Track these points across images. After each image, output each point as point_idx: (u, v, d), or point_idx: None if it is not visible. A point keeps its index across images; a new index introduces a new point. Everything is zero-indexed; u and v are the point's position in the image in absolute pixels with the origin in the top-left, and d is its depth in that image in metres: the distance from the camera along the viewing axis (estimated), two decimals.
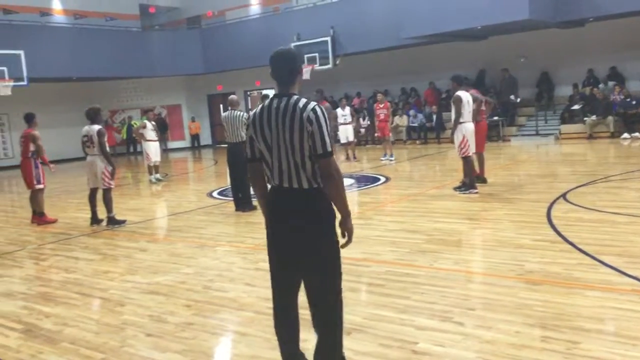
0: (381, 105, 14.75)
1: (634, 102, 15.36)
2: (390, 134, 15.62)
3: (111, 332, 4.11)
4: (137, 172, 17.18)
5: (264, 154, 2.95)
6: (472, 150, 8.58)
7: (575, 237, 5.75)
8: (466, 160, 8.61)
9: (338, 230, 2.99)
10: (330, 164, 2.84)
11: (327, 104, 17.29)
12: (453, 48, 18.60)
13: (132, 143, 24.24)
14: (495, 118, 16.91)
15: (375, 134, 16.59)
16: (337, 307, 2.98)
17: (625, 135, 14.97)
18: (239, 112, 8.61)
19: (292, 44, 19.73)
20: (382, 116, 14.72)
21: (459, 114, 8.44)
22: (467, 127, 8.51)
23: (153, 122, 13.81)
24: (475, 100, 8.79)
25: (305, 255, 2.91)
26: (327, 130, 2.85)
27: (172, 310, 4.48)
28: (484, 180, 9.17)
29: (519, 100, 17.58)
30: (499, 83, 18.10)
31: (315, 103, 2.89)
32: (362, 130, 19.55)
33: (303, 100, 2.89)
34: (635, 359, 3.20)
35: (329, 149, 2.84)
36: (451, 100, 8.63)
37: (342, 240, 3.00)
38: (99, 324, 4.31)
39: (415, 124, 18.95)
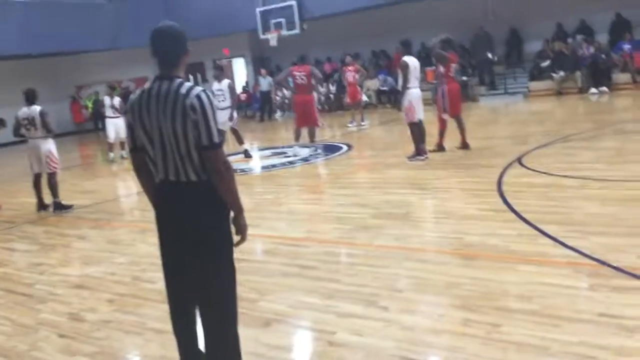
0: (350, 68, 14.40)
1: (603, 56, 15.16)
2: (363, 98, 15.31)
3: (24, 334, 3.92)
4: (97, 150, 16.79)
5: (145, 144, 2.71)
6: (418, 116, 8.38)
7: (522, 204, 5.60)
8: (412, 126, 8.44)
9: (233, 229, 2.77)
10: (218, 157, 2.59)
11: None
12: (422, 8, 18.15)
13: (99, 119, 23.69)
14: (464, 78, 16.64)
15: (346, 100, 16.14)
16: (229, 316, 2.76)
17: (593, 90, 14.80)
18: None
19: (258, 10, 19.22)
20: (350, 79, 14.38)
21: (406, 80, 8.23)
22: (413, 93, 8.30)
23: (116, 97, 13.30)
24: (443, 61, 8.54)
25: (195, 256, 2.70)
26: (214, 119, 2.61)
27: (94, 306, 4.29)
28: (466, 147, 8.90)
29: (496, 58, 17.23)
30: (470, 41, 17.74)
31: (200, 89, 2.63)
32: (331, 96, 19.23)
33: (187, 85, 2.62)
34: (553, 341, 3.07)
35: (216, 140, 2.59)
36: (398, 67, 8.41)
37: (236, 238, 2.78)
38: (14, 325, 4.11)
39: (386, 88, 18.63)
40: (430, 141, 8.94)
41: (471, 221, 5.36)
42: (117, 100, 13.13)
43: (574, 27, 16.58)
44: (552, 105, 14.29)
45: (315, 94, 11.33)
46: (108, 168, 12.47)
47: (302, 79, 10.29)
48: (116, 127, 13.02)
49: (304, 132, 10.65)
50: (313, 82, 10.46)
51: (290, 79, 11.10)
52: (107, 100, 13.23)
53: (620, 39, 15.32)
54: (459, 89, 9.00)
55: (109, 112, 13.11)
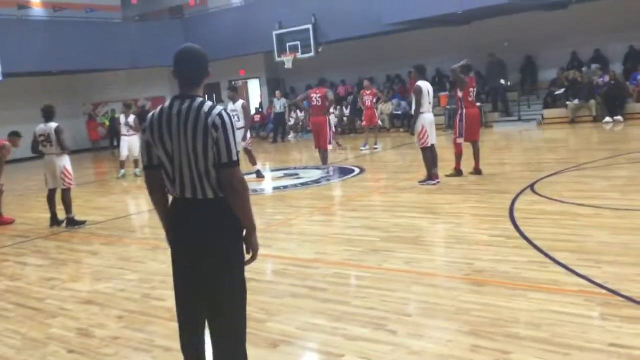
0: (367, 92, 14.51)
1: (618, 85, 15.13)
2: (378, 122, 15.46)
3: (33, 349, 3.94)
4: (112, 167, 16.93)
5: (163, 162, 2.75)
6: (431, 141, 8.42)
7: (533, 232, 5.58)
8: (424, 151, 8.48)
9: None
10: (234, 175, 2.63)
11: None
12: (436, 34, 18.32)
13: (115, 137, 23.97)
14: (478, 104, 16.65)
15: (362, 123, 16.12)
16: (239, 334, 2.77)
17: (607, 119, 14.75)
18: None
19: (274, 32, 19.48)
20: (368, 103, 14.48)
21: (419, 104, 8.29)
22: (427, 118, 8.35)
23: (132, 115, 13.39)
24: (461, 85, 8.61)
25: (208, 272, 2.71)
26: (234, 138, 2.66)
27: (103, 322, 4.31)
28: (479, 172, 8.91)
29: (509, 84, 17.25)
30: (485, 68, 17.78)
31: (222, 108, 2.68)
32: (345, 119, 19.31)
33: (208, 104, 2.67)
34: None
35: (235, 158, 2.64)
36: (412, 91, 8.47)
37: (247, 257, 2.79)
38: (24, 339, 4.14)
39: (399, 112, 18.70)
40: (443, 166, 8.95)
41: (482, 247, 5.34)
42: (132, 119, 13.26)
43: (588, 57, 16.62)
44: (566, 133, 14.26)
45: (332, 116, 11.44)
46: (121, 185, 12.57)
47: (317, 100, 10.55)
48: (130, 145, 13.13)
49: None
50: (326, 103, 10.63)
51: (306, 102, 11.36)
52: (122, 118, 13.40)
53: (635, 70, 15.35)
54: (478, 113, 9.01)
55: (124, 130, 13.26)
